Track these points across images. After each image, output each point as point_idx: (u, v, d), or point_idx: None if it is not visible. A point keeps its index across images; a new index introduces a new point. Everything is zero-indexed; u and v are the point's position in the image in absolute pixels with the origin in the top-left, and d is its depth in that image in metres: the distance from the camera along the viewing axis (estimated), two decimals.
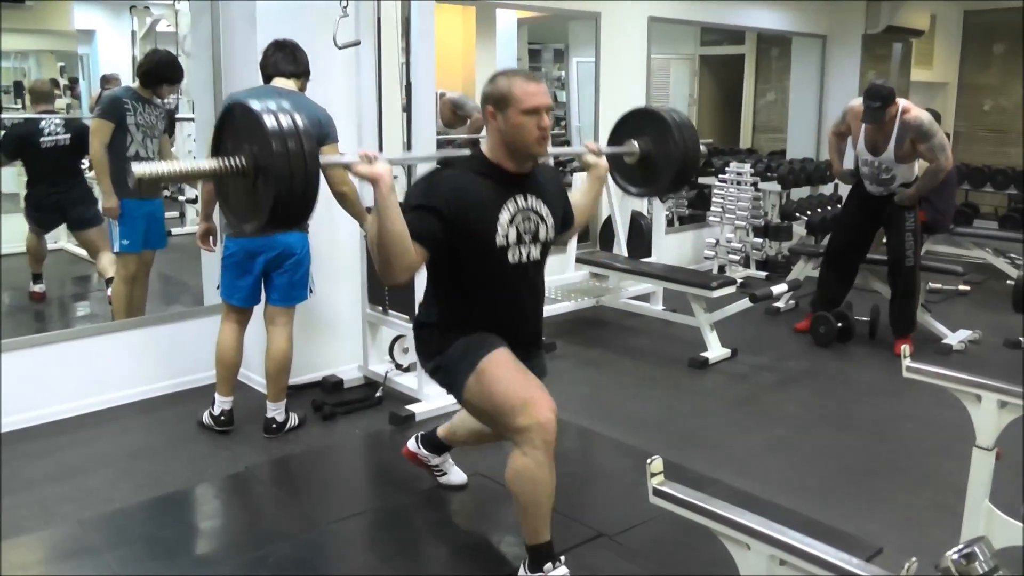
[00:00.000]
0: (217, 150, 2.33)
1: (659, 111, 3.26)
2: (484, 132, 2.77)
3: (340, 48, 4.23)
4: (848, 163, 5.81)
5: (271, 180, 2.15)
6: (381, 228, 2.41)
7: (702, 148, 3.35)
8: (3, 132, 5.77)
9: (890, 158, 5.23)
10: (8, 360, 4.08)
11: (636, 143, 3.24)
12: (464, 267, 2.69)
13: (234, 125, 2.30)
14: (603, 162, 3.03)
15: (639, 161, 3.26)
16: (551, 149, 2.78)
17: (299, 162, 2.15)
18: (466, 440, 3.32)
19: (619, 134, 3.33)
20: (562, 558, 2.76)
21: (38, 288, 5.77)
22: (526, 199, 2.72)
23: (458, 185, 2.63)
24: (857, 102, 5.37)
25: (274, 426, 4.08)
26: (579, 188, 3.13)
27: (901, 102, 5.19)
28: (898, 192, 5.36)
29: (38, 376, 4.15)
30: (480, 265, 2.68)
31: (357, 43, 4.32)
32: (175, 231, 7.67)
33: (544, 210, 2.76)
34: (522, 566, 2.77)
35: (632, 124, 3.32)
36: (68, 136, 5.37)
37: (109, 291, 5.34)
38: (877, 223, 5.59)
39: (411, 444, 3.51)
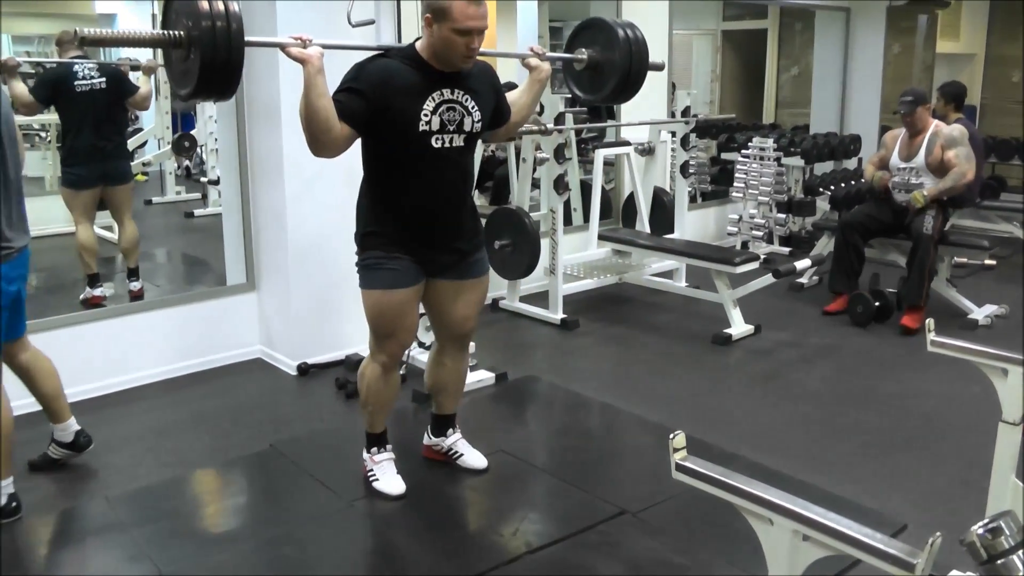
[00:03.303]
0: (165, 23, 2.68)
1: (613, 23, 3.50)
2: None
3: (354, 26, 4.21)
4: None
5: (199, 52, 2.50)
6: (307, 104, 2.70)
7: (659, 62, 3.68)
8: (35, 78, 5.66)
9: (920, 163, 5.52)
10: (34, 342, 4.10)
11: (586, 51, 3.50)
12: (390, 149, 2.94)
13: (178, 3, 2.62)
14: (545, 66, 3.28)
15: (588, 68, 3.52)
16: (495, 50, 2.99)
17: (224, 39, 2.50)
18: (435, 381, 3.47)
19: (574, 42, 3.59)
20: (388, 445, 3.36)
21: (98, 292, 5.31)
22: (452, 92, 2.93)
23: (387, 72, 2.87)
24: (894, 129, 5.86)
25: (86, 437, 3.62)
26: (519, 88, 3.37)
27: (936, 121, 5.64)
28: (915, 193, 5.45)
29: (63, 357, 4.15)
30: (404, 149, 2.93)
31: (371, 22, 4.30)
32: (197, 212, 7.75)
33: (471, 104, 2.98)
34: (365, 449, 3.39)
35: (586, 34, 3.56)
36: (104, 80, 5.20)
37: (133, 285, 5.37)
38: (900, 222, 5.65)
39: (425, 439, 3.62)
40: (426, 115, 2.87)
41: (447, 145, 2.95)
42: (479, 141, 3.23)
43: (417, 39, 2.98)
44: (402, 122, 2.87)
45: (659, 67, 3.80)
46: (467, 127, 2.98)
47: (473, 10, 2.79)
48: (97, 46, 2.57)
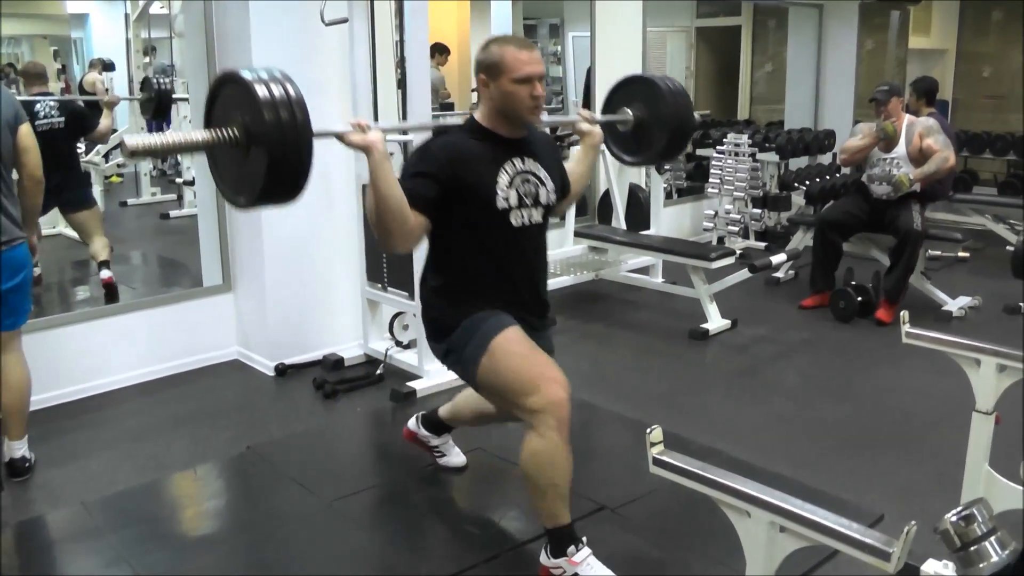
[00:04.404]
0: (209, 121, 2.31)
1: (652, 78, 3.28)
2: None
3: (327, 25, 4.21)
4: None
5: (264, 150, 2.15)
6: (377, 196, 2.41)
7: (696, 117, 3.35)
8: None
9: (902, 152, 5.54)
10: None
11: (629, 110, 3.25)
12: (467, 234, 2.66)
13: (226, 96, 2.29)
14: (597, 130, 3.05)
15: (633, 129, 3.27)
16: (545, 118, 2.75)
17: (292, 132, 2.16)
18: (468, 421, 3.30)
19: (612, 102, 3.33)
20: (584, 538, 2.67)
21: (35, 271, 5.64)
22: (523, 162, 2.70)
23: (454, 149, 2.63)
24: (869, 122, 5.77)
25: (27, 465, 3.53)
26: (574, 157, 3.13)
27: (908, 115, 5.69)
28: (901, 175, 5.46)
29: (38, 361, 4.12)
30: (483, 230, 2.66)
31: (344, 20, 4.30)
32: (173, 213, 7.70)
33: (542, 173, 2.74)
34: (544, 551, 2.69)
35: (625, 92, 3.32)
36: (63, 119, 5.25)
37: (103, 274, 5.33)
38: (878, 218, 5.63)
39: (411, 424, 3.48)
40: (503, 189, 2.62)
41: (527, 223, 2.69)
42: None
43: (473, 109, 2.76)
44: (478, 201, 2.61)
45: (698, 125, 3.63)
46: (543, 199, 2.73)
47: (526, 55, 2.59)
48: (146, 156, 2.16)
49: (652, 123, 3.23)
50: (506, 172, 2.64)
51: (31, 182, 3.42)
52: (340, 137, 2.43)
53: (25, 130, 3.37)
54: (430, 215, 2.55)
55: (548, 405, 2.53)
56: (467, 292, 2.72)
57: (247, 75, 2.19)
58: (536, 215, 2.72)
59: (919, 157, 5.47)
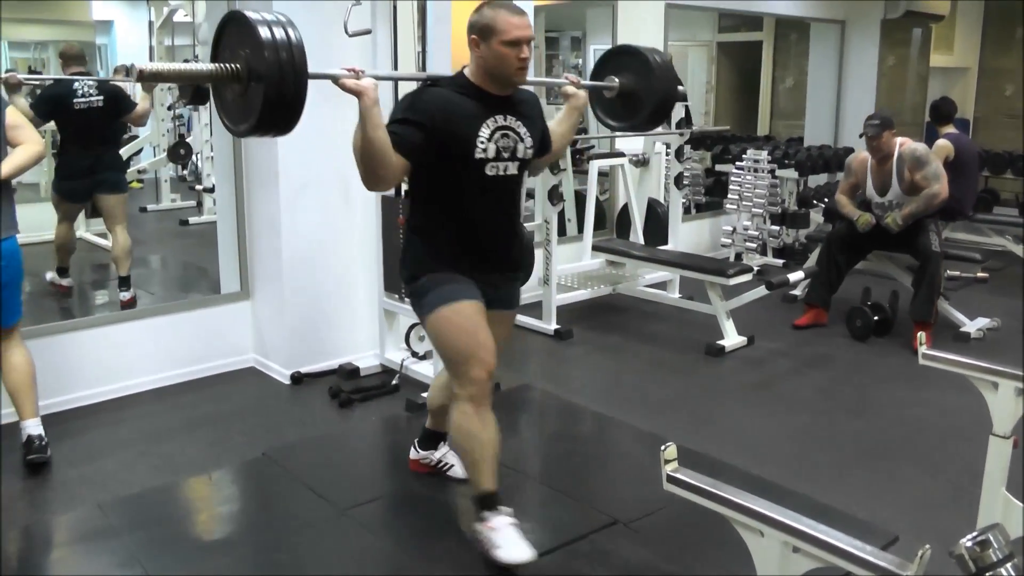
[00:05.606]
0: (216, 55, 2.51)
1: (639, 49, 3.45)
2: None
3: (351, 36, 4.22)
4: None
5: (262, 86, 2.34)
6: (364, 137, 2.58)
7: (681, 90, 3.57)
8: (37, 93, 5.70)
9: (897, 192, 5.45)
10: (30, 348, 4.11)
11: (616, 79, 3.44)
12: (444, 179, 2.85)
13: (232, 33, 2.48)
14: (583, 94, 3.21)
15: (619, 96, 3.47)
16: (532, 78, 2.95)
17: (289, 69, 2.35)
18: (441, 403, 3.26)
19: (601, 70, 3.52)
20: (505, 508, 2.89)
21: (65, 282, 5.65)
22: (505, 118, 2.87)
23: (441, 101, 2.80)
24: (859, 153, 5.75)
25: (43, 443, 3.63)
26: (556, 117, 3.29)
27: (899, 138, 5.47)
28: (894, 215, 5.39)
29: (57, 364, 4.17)
30: (459, 176, 2.84)
31: (368, 31, 4.32)
32: (192, 220, 7.75)
33: (522, 130, 2.91)
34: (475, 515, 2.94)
35: (614, 61, 3.52)
36: (101, 98, 5.30)
37: (123, 295, 5.38)
38: (891, 238, 5.51)
39: (412, 455, 3.52)
40: (482, 142, 2.80)
41: (501, 173, 2.87)
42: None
43: (464, 67, 2.92)
44: (458, 150, 2.79)
45: (683, 97, 3.80)
46: (520, 154, 2.90)
47: (518, 20, 2.76)
48: (154, 81, 2.40)
49: (639, 92, 3.41)
50: (487, 126, 2.82)
51: (33, 145, 3.47)
52: (334, 80, 2.57)
53: (10, 111, 3.44)
54: (412, 159, 2.71)
55: (468, 383, 2.81)
56: (441, 237, 2.92)
57: (252, 16, 2.38)
58: (512, 168, 2.90)
59: (915, 190, 5.37)
